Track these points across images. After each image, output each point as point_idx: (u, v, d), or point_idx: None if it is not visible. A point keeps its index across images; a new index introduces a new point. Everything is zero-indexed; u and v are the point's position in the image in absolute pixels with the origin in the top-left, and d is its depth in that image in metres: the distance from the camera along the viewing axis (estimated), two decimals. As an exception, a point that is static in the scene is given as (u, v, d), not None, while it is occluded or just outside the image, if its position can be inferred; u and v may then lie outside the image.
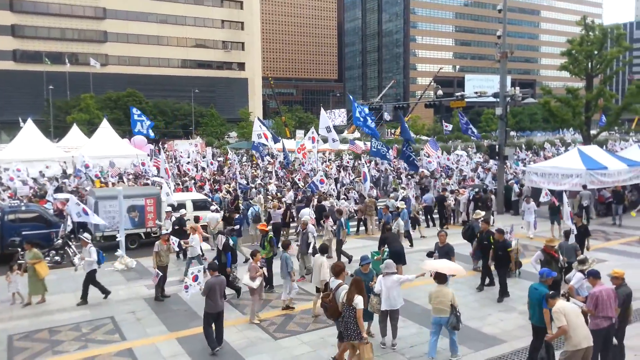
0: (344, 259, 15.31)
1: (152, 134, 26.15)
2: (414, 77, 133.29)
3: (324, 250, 11.51)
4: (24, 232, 16.25)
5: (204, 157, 42.78)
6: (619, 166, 21.75)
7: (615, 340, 8.42)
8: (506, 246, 12.01)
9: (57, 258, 16.08)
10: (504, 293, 12.03)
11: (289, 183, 27.27)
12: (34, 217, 17.41)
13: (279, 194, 23.33)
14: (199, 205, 19.72)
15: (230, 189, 25.01)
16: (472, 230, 14.18)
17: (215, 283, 9.59)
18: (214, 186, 26.69)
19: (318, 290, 10.99)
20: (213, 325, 9.62)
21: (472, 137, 33.30)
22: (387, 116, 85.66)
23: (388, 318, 9.55)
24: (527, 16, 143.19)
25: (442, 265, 9.59)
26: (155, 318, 11.41)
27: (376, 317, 9.84)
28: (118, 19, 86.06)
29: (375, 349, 9.00)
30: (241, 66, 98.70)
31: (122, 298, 12.82)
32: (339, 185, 26.62)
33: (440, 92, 35.81)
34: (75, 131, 45.45)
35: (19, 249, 14.72)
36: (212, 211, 18.65)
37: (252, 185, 26.52)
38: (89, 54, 79.10)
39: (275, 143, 37.35)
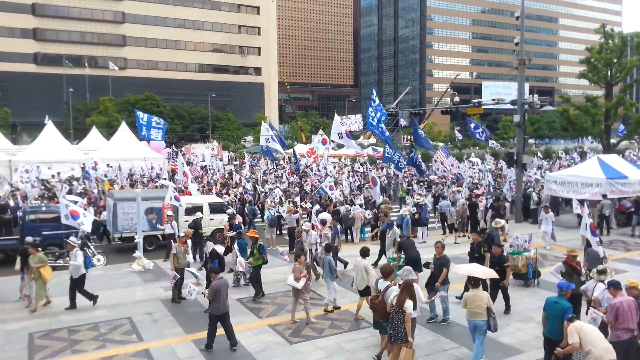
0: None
1: (155, 138, 25.45)
2: (430, 83, 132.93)
3: (366, 253, 11.35)
4: (43, 232, 16.49)
5: (220, 160, 43.07)
6: (639, 176, 21.42)
7: None
8: (502, 261, 11.49)
9: (75, 258, 16.27)
10: (509, 307, 11.74)
11: (297, 188, 27.24)
12: (53, 217, 17.61)
13: (283, 199, 23.35)
14: (215, 209, 19.81)
15: (237, 193, 25.07)
16: (491, 239, 14.03)
17: (220, 285, 9.69)
18: (221, 190, 26.70)
19: (361, 293, 11.15)
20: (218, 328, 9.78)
21: (489, 143, 32.97)
22: (403, 122, 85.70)
23: None
24: (545, 24, 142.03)
25: (477, 269, 9.68)
26: (171, 319, 11.49)
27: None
28: (137, 23, 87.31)
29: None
30: (257, 71, 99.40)
31: (139, 299, 12.94)
32: (346, 191, 26.51)
33: (456, 98, 35.46)
34: (94, 133, 46.09)
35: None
36: (229, 215, 18.74)
37: (263, 190, 26.54)
38: (108, 58, 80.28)
39: (284, 149, 37.11)
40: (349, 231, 20.36)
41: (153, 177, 32.38)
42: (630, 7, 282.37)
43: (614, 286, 8.34)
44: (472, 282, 9.13)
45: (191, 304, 12.42)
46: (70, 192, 24.49)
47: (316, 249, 14.39)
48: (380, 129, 25.31)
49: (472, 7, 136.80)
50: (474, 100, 31.69)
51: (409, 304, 8.15)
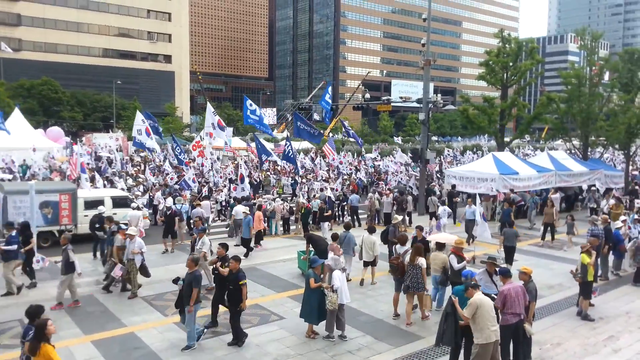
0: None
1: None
2: (344, 79, 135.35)
3: (373, 230, 13.74)
4: None
5: (120, 150, 40.95)
6: (529, 172, 23.31)
7: (530, 331, 8.99)
8: (238, 279, 9.57)
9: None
10: None
11: (157, 184, 25.87)
12: None
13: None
14: (118, 202, 18.88)
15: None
16: (387, 233, 14.84)
17: None
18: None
19: (366, 264, 13.50)
20: None
21: (394, 139, 34.37)
22: (316, 116, 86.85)
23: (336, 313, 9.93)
24: (449, 26, 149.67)
25: (442, 236, 12.68)
26: (68, 320, 10.83)
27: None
28: (33, 1, 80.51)
29: (325, 346, 9.66)
30: (167, 59, 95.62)
31: (32, 300, 11.96)
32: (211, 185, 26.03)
33: (367, 95, 36.48)
34: (-19, 120, 41.98)
35: None
36: (134, 209, 17.95)
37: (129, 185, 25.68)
38: (0, 38, 73.43)
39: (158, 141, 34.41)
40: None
41: None
42: (526, 14, 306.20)
43: (504, 274, 8.93)
44: (438, 246, 11.59)
45: (90, 304, 11.81)
46: None
47: (142, 260, 12.54)
48: (264, 124, 25.98)
49: (383, 6, 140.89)
50: (383, 98, 32.82)
51: (421, 261, 10.61)
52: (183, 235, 18.48)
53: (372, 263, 13.45)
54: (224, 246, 10.92)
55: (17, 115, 36.94)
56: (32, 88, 67.93)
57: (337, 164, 33.71)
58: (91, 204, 17.78)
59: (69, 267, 11.58)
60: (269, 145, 39.25)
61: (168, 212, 17.55)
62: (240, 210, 18.19)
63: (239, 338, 9.69)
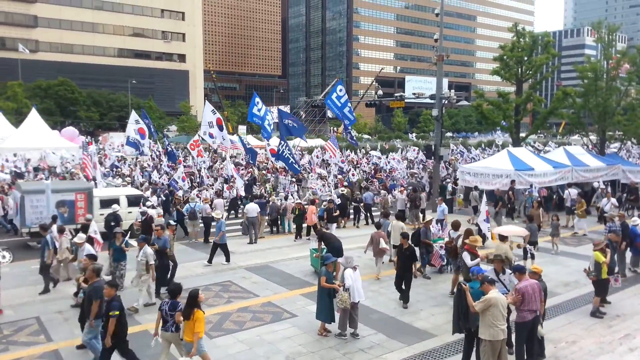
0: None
1: None
2: (357, 76, 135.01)
3: (400, 217, 15.12)
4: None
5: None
6: (545, 168, 22.99)
7: (541, 332, 8.91)
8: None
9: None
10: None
11: (146, 182, 25.76)
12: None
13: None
14: (133, 201, 19.07)
15: None
16: (418, 235, 14.45)
17: None
18: None
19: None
20: None
21: (408, 136, 34.05)
22: (329, 114, 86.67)
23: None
24: (463, 21, 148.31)
25: (508, 229, 13.08)
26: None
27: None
28: (50, 3, 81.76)
29: (338, 344, 9.69)
30: (182, 58, 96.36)
31: (49, 297, 12.23)
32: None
33: (380, 92, 36.43)
34: (1, 120, 42.70)
35: None
36: (149, 207, 18.11)
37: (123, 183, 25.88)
38: (17, 39, 74.56)
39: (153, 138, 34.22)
40: (276, 222, 20.49)
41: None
42: (542, 8, 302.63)
43: (519, 271, 8.80)
44: (501, 238, 11.80)
45: (106, 301, 11.93)
46: None
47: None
48: (264, 126, 25.62)
49: (396, 2, 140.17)
50: (396, 94, 32.67)
51: None
52: (196, 233, 18.67)
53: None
54: (92, 257, 10.15)
55: (34, 116, 37.50)
56: (49, 88, 68.95)
57: (336, 161, 33.24)
58: (107, 203, 17.98)
59: None
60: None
61: (143, 217, 16.18)
62: (252, 208, 18.25)
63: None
